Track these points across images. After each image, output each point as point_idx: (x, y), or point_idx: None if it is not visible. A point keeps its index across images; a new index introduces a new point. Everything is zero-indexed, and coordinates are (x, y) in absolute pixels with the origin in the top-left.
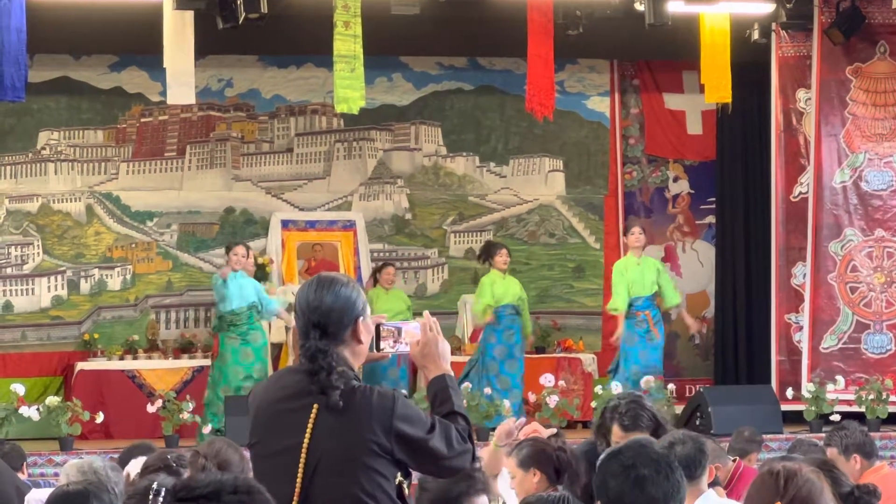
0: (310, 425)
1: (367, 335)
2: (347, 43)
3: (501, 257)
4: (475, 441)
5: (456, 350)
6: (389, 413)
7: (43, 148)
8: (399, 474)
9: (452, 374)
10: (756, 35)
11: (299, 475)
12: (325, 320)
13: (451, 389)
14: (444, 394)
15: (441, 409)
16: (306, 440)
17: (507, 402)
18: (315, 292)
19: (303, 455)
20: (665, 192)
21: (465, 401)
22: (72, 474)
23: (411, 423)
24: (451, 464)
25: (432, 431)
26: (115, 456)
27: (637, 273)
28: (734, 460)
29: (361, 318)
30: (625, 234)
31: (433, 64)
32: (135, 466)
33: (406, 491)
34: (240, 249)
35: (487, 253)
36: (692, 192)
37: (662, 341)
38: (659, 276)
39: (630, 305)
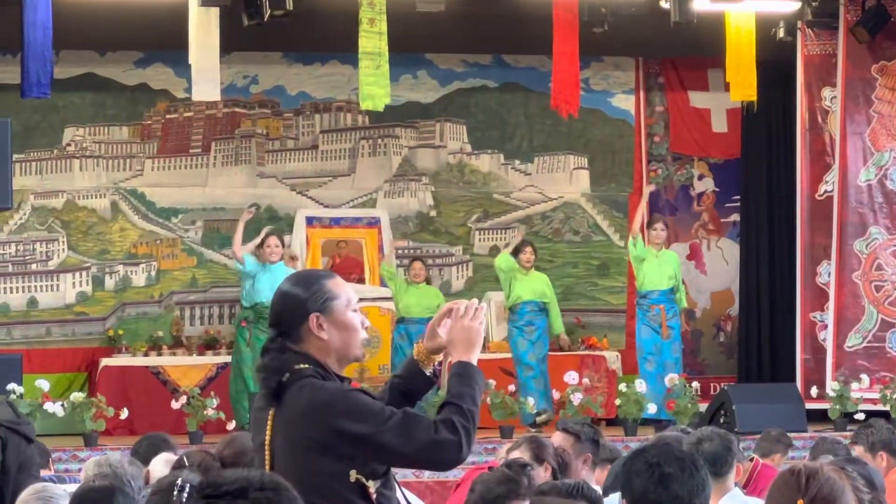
0: (269, 422)
1: (334, 331)
2: (373, 40)
3: (525, 255)
4: (465, 433)
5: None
6: (329, 409)
7: (68, 144)
8: (355, 472)
9: (472, 362)
10: (781, 33)
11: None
12: (276, 318)
13: (458, 377)
14: (450, 382)
15: (445, 399)
16: (267, 437)
17: (531, 399)
18: (277, 290)
19: (266, 452)
20: (690, 190)
21: (477, 392)
22: (91, 470)
23: (356, 419)
24: (418, 457)
25: (385, 424)
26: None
27: (654, 266)
28: (751, 459)
29: (319, 314)
30: (648, 227)
31: (458, 61)
32: (158, 465)
33: (372, 490)
34: (272, 240)
35: (515, 250)
36: (717, 190)
37: (676, 340)
38: (676, 273)
39: (644, 297)
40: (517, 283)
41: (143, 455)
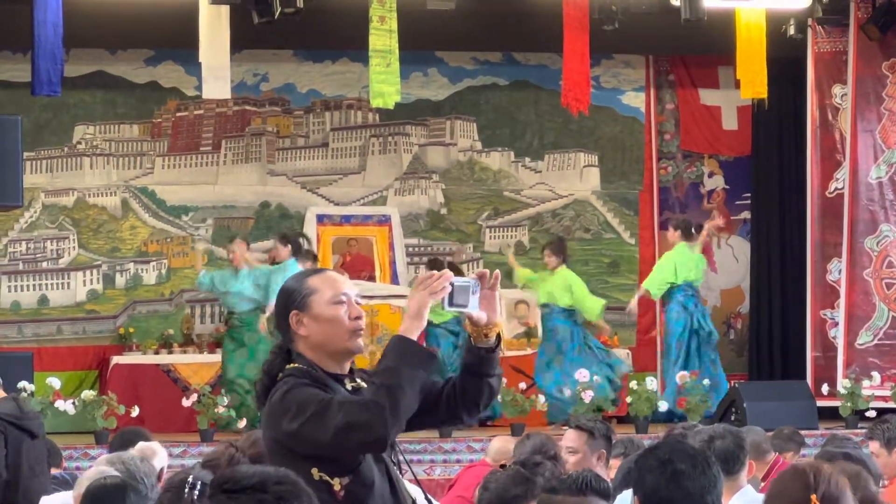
0: None
1: (315, 326)
2: (383, 37)
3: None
4: (377, 410)
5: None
6: (274, 409)
7: (78, 142)
8: (316, 470)
9: (408, 335)
10: (792, 30)
11: None
12: (275, 320)
13: (385, 353)
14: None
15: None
16: None
17: (541, 398)
18: None
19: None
20: (700, 188)
21: (402, 365)
22: (101, 465)
23: (291, 416)
24: (337, 443)
25: (308, 416)
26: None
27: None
28: (776, 453)
29: (297, 311)
30: (666, 228)
31: (468, 59)
32: (162, 460)
33: (337, 488)
34: (234, 245)
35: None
36: (727, 187)
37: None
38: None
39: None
40: (541, 284)
41: (117, 450)
